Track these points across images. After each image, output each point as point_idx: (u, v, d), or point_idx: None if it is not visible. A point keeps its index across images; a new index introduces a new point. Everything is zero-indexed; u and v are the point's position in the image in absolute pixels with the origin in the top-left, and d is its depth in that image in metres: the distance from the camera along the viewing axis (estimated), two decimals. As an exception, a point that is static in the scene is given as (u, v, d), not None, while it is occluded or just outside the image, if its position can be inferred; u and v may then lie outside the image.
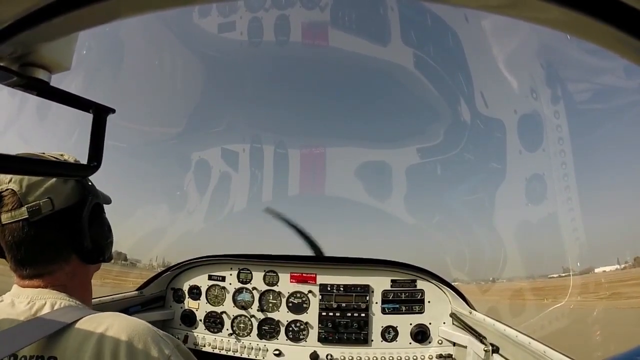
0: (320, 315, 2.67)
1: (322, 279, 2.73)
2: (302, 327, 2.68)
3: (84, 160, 0.69)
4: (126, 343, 0.85)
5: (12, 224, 0.93)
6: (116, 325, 0.89)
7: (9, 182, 0.94)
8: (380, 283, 2.70)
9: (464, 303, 2.55)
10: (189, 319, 2.80)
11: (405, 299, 2.67)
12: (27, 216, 0.92)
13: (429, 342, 2.60)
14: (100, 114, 0.68)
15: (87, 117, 0.68)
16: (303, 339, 2.67)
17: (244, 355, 2.67)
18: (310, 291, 2.72)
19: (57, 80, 0.62)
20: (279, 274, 2.78)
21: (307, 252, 3.31)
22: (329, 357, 2.58)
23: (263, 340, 2.69)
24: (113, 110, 0.69)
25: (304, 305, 2.72)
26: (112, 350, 0.84)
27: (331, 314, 2.66)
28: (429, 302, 2.66)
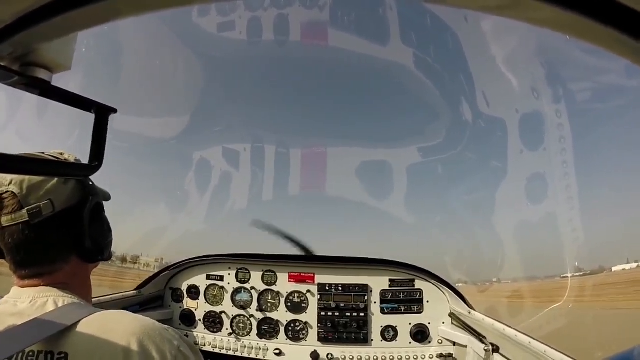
0: (319, 315, 2.67)
1: (321, 278, 2.73)
2: (301, 326, 2.68)
3: (84, 158, 0.68)
4: (137, 338, 0.86)
5: (12, 227, 0.92)
6: (126, 323, 0.90)
7: (9, 184, 0.93)
8: (378, 283, 2.70)
9: (463, 303, 2.55)
10: (188, 318, 2.80)
11: (403, 299, 2.67)
12: (27, 219, 0.92)
13: (429, 342, 2.60)
14: (102, 113, 0.68)
15: (87, 116, 0.68)
16: (303, 338, 2.67)
17: (245, 355, 2.67)
18: (308, 291, 2.72)
19: (58, 80, 0.62)
20: (277, 274, 2.78)
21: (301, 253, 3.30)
22: (329, 356, 2.58)
23: (263, 340, 2.69)
24: (115, 110, 0.69)
25: (303, 305, 2.72)
26: (124, 347, 0.84)
27: (330, 313, 2.66)
28: (427, 301, 2.66)
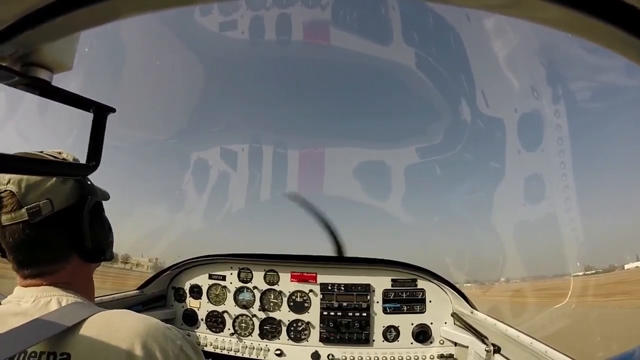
0: (321, 314, 2.67)
1: (323, 278, 2.73)
2: (303, 326, 2.68)
3: (82, 158, 0.69)
4: (140, 339, 0.86)
5: (13, 226, 0.92)
6: (129, 322, 0.90)
7: (7, 183, 0.93)
8: (380, 282, 2.69)
9: (465, 303, 2.54)
10: (191, 318, 2.80)
11: (406, 299, 2.66)
12: (27, 218, 0.92)
13: (431, 342, 2.60)
14: (100, 113, 0.68)
15: (87, 115, 0.68)
16: (304, 338, 2.67)
17: (246, 355, 2.67)
18: (311, 290, 2.72)
19: (57, 79, 0.62)
20: (280, 274, 2.78)
21: (309, 251, 3.29)
22: (330, 357, 2.58)
23: (265, 340, 2.69)
24: (113, 110, 0.69)
25: (305, 304, 2.72)
26: (127, 347, 0.84)
27: (332, 313, 2.66)
28: (430, 301, 2.65)
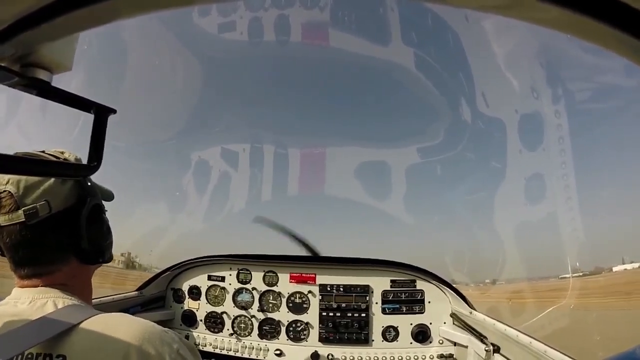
0: (320, 315, 2.67)
1: (322, 279, 2.73)
2: (302, 327, 2.68)
3: (84, 156, 0.69)
4: (137, 342, 0.86)
5: (10, 226, 0.92)
6: (125, 326, 0.90)
7: (6, 184, 0.93)
8: (379, 283, 2.69)
9: (464, 303, 2.55)
10: (190, 319, 2.80)
11: (405, 299, 2.67)
12: (24, 219, 0.92)
13: (430, 342, 2.60)
14: (101, 114, 0.68)
15: (88, 114, 0.68)
16: (304, 339, 2.67)
17: (245, 355, 2.67)
18: (310, 291, 2.72)
19: (57, 79, 0.62)
20: (279, 274, 2.78)
21: (306, 253, 3.29)
22: (329, 356, 2.58)
23: (264, 340, 2.69)
24: (114, 111, 0.69)
25: (304, 305, 2.72)
26: (123, 350, 0.84)
27: (331, 314, 2.66)
28: (429, 302, 2.66)
